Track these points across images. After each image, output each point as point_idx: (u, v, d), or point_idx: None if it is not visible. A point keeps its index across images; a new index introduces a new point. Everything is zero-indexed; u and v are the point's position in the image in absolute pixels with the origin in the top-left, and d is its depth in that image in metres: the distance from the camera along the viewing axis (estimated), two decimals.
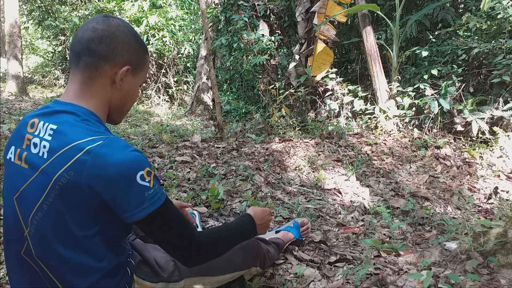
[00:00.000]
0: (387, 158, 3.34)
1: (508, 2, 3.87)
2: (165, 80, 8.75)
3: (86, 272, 0.89)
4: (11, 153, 0.93)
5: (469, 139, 3.67)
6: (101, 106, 0.95)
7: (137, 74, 1.00)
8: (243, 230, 1.15)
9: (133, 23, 8.58)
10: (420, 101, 3.91)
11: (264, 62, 5.26)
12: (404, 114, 4.04)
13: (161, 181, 2.50)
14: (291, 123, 4.44)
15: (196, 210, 1.98)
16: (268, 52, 5.24)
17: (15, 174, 0.91)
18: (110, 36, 0.92)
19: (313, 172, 3.03)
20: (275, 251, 1.50)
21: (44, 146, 0.86)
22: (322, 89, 4.73)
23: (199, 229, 1.76)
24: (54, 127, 0.87)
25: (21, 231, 0.89)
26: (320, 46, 4.63)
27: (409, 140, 3.70)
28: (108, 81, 0.94)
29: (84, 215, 0.86)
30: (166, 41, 8.37)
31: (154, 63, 8.78)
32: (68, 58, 9.37)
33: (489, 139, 3.53)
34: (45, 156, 0.85)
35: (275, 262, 1.54)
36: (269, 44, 5.21)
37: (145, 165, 0.85)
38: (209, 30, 6.24)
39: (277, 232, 1.68)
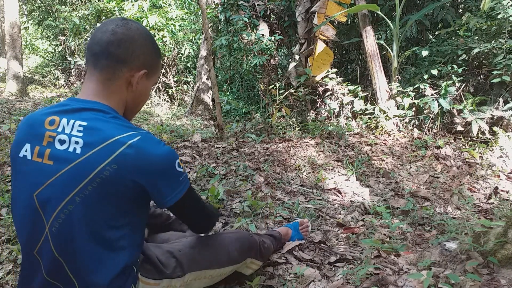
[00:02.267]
0: (387, 158, 3.34)
1: (508, 2, 3.87)
2: (165, 80, 8.75)
3: (107, 265, 0.92)
4: (26, 151, 0.92)
5: (469, 139, 3.67)
6: (119, 106, 1.00)
7: (151, 77, 1.05)
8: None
9: None
10: (420, 101, 3.91)
11: (264, 62, 5.26)
12: (404, 114, 4.04)
13: None
14: (291, 123, 4.44)
15: None
16: (268, 52, 5.24)
17: (35, 171, 0.91)
18: (129, 40, 0.95)
19: (313, 172, 3.03)
20: (271, 242, 1.52)
21: (76, 142, 0.89)
22: (322, 89, 4.73)
23: None
24: (84, 123, 0.90)
25: (40, 228, 0.90)
26: (320, 46, 4.63)
27: (409, 140, 3.70)
28: (125, 83, 0.98)
29: (119, 206, 0.91)
30: (166, 41, 8.37)
31: None
32: (68, 58, 9.37)
33: (489, 139, 3.53)
34: (78, 151, 0.88)
35: (277, 261, 1.54)
36: (269, 44, 5.21)
37: (177, 156, 0.97)
38: (209, 30, 6.24)
39: None
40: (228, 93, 7.79)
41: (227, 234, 1.34)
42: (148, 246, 1.14)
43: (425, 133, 3.81)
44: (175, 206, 0.98)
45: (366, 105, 4.38)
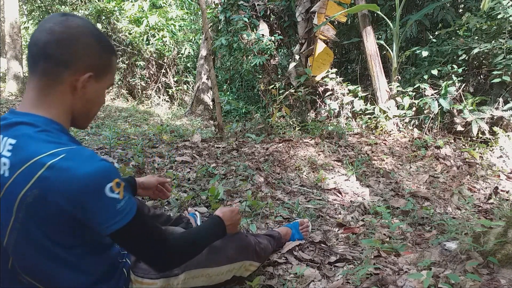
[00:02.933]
0: (387, 158, 3.34)
1: (508, 2, 3.87)
2: (165, 80, 8.75)
3: (77, 283, 0.88)
4: None
5: (469, 139, 3.67)
6: (62, 114, 0.88)
7: (102, 79, 0.92)
8: (213, 230, 1.16)
9: (133, 23, 8.58)
10: (420, 101, 3.91)
11: (264, 62, 5.26)
12: (404, 114, 4.04)
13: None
14: (291, 123, 4.44)
15: (197, 211, 1.98)
16: (268, 52, 5.24)
17: None
18: (69, 39, 0.84)
19: (313, 172, 3.03)
20: (269, 242, 1.50)
21: (4, 164, 0.80)
22: (322, 89, 4.73)
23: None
24: (13, 141, 0.81)
25: (3, 252, 0.86)
26: (320, 46, 4.63)
27: (409, 140, 3.70)
28: (69, 88, 0.86)
29: (58, 229, 0.83)
30: (166, 41, 8.38)
31: (154, 63, 8.79)
32: None
33: (489, 139, 3.53)
34: (6, 174, 0.80)
35: (277, 261, 1.54)
36: (269, 44, 5.21)
37: (113, 176, 0.81)
38: (209, 30, 6.24)
39: None
40: (228, 93, 7.78)
41: None
42: None
43: (425, 133, 3.81)
44: (115, 236, 0.84)
45: (366, 105, 4.38)
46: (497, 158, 3.32)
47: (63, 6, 9.77)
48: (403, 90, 4.14)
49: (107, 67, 0.92)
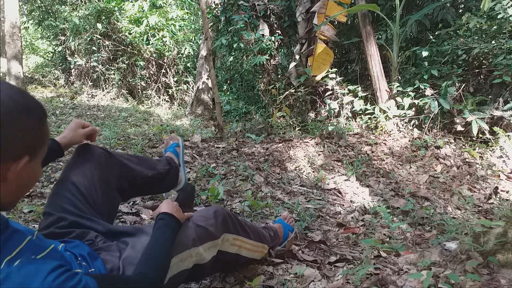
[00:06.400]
0: (387, 158, 3.34)
1: (508, 3, 3.87)
2: (165, 80, 8.76)
3: None
4: None
5: (469, 139, 3.67)
6: None
7: (37, 157, 0.74)
8: (168, 230, 1.09)
9: (133, 23, 8.59)
10: (420, 101, 3.91)
11: (264, 62, 5.26)
12: (404, 114, 4.04)
13: None
14: (291, 123, 4.45)
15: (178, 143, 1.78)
16: (268, 52, 5.24)
17: None
18: None
19: (313, 172, 3.03)
20: (259, 228, 1.48)
21: None
22: (322, 89, 4.74)
23: (181, 168, 1.66)
24: None
25: None
26: (320, 46, 4.63)
27: (409, 140, 3.70)
28: None
29: None
30: (166, 41, 8.39)
31: (154, 63, 8.80)
32: (68, 58, 9.37)
33: (489, 139, 3.53)
34: None
35: (276, 260, 1.54)
36: (269, 44, 5.21)
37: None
38: (209, 30, 6.24)
39: None
40: (228, 93, 7.79)
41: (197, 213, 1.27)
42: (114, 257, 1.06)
43: (425, 133, 3.81)
44: None
45: (366, 105, 4.38)
46: (497, 158, 3.32)
47: (63, 6, 9.77)
48: (403, 90, 4.14)
49: (42, 140, 0.74)
